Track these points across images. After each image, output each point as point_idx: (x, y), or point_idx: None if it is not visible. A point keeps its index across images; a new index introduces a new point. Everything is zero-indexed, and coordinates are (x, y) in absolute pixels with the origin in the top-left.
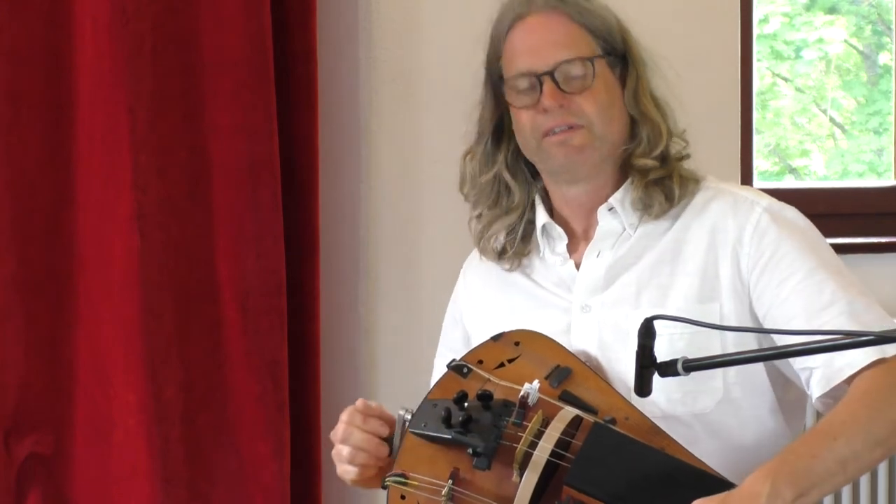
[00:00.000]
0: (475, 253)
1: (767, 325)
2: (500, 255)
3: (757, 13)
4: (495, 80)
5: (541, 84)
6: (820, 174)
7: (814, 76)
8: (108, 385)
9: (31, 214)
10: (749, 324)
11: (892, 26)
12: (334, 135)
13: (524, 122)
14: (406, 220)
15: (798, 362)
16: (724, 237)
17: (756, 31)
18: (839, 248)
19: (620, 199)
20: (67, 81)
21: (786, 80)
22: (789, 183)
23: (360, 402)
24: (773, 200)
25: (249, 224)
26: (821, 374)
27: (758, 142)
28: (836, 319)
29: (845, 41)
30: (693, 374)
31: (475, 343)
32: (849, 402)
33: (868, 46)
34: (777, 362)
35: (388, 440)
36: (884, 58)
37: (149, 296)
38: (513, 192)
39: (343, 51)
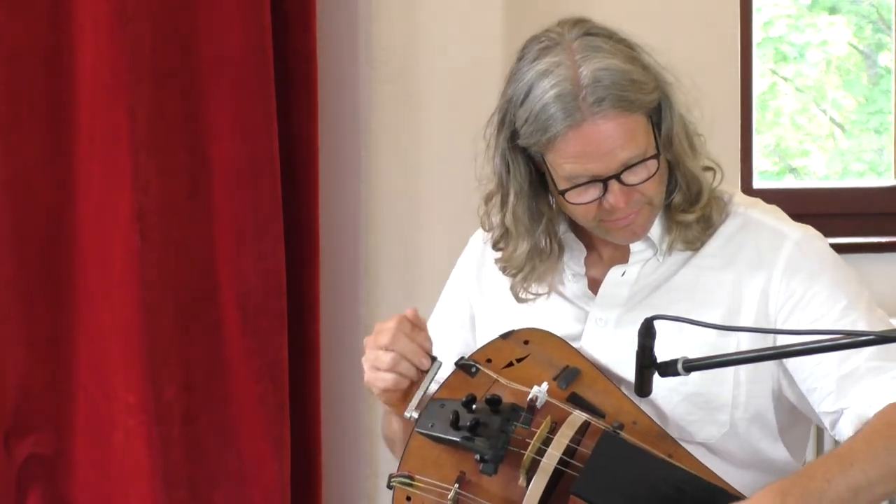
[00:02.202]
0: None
1: (796, 368)
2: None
3: (762, 16)
4: (533, 153)
5: (605, 185)
6: (820, 174)
7: (814, 76)
8: (109, 385)
9: (31, 214)
10: (770, 362)
11: (893, 26)
12: (334, 135)
13: (583, 212)
14: (406, 220)
15: (825, 405)
16: (751, 273)
17: (762, 34)
18: (839, 248)
19: (657, 227)
20: (67, 81)
21: (786, 80)
22: (789, 183)
23: (410, 311)
24: (803, 231)
25: (249, 224)
26: (853, 414)
27: (758, 141)
28: (869, 363)
29: (846, 41)
30: (702, 405)
31: (481, 331)
32: (869, 432)
33: (868, 46)
34: (797, 403)
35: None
36: (884, 58)
37: (149, 296)
38: (559, 238)
39: (343, 51)
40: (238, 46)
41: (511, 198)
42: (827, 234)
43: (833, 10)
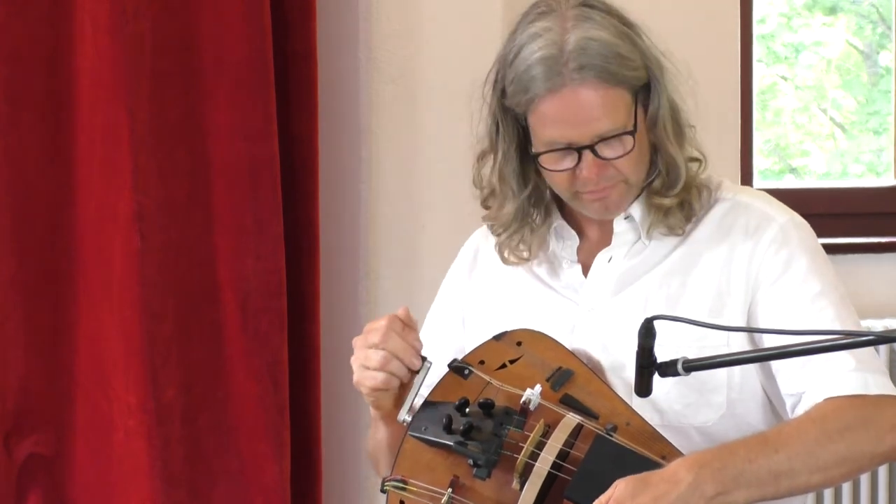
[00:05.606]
0: (482, 238)
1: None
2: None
3: (756, 14)
4: (518, 115)
5: (579, 154)
6: (820, 173)
7: (814, 76)
8: (109, 386)
9: (31, 214)
10: (748, 337)
11: (893, 26)
12: (334, 135)
13: (558, 180)
14: (406, 220)
15: (786, 387)
16: (739, 251)
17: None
18: (839, 248)
19: (638, 209)
20: (67, 81)
21: (786, 79)
22: (789, 182)
23: (402, 310)
24: (790, 216)
25: (249, 225)
26: (809, 400)
27: (758, 140)
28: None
29: (846, 41)
30: (697, 387)
31: (473, 331)
32: (804, 420)
33: (868, 46)
34: (766, 385)
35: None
36: (884, 58)
37: (149, 297)
38: (547, 206)
39: (343, 51)
40: (238, 47)
41: (499, 157)
42: (826, 234)
43: (832, 10)
